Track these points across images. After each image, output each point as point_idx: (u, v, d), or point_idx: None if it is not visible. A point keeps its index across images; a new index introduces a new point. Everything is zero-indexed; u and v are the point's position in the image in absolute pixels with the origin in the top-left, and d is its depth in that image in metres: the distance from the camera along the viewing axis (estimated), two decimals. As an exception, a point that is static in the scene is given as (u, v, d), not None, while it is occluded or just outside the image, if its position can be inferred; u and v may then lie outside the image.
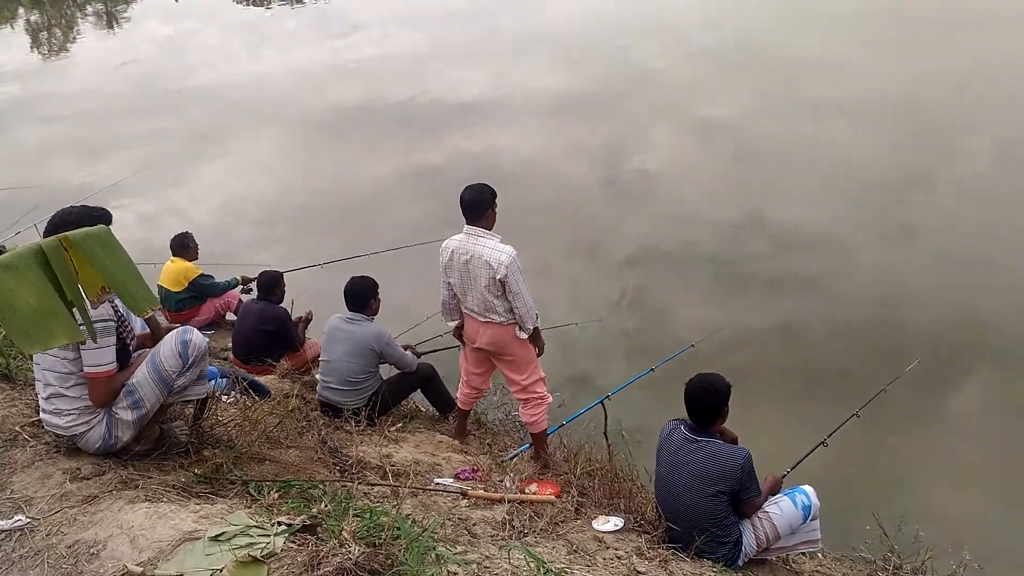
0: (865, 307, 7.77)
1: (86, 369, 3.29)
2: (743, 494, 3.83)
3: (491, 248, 4.64)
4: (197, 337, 3.59)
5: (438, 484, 4.32)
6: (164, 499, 3.21)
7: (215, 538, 2.85)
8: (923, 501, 5.16)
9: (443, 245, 4.87)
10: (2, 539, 2.96)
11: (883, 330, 7.42)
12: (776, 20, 17.84)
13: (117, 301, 3.21)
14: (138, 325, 3.66)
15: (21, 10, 32.35)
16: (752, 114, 12.90)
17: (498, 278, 4.59)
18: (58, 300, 2.28)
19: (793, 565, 4.33)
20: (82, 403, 3.36)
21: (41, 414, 3.44)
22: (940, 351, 6.78)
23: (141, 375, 3.45)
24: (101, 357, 3.29)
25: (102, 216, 3.40)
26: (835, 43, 15.63)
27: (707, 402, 3.87)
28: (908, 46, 14.99)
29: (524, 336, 4.86)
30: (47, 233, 3.28)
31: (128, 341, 3.48)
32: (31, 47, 26.84)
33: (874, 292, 7.97)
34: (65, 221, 3.28)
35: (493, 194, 4.77)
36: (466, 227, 4.75)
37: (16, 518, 3.07)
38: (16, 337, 2.27)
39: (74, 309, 2.36)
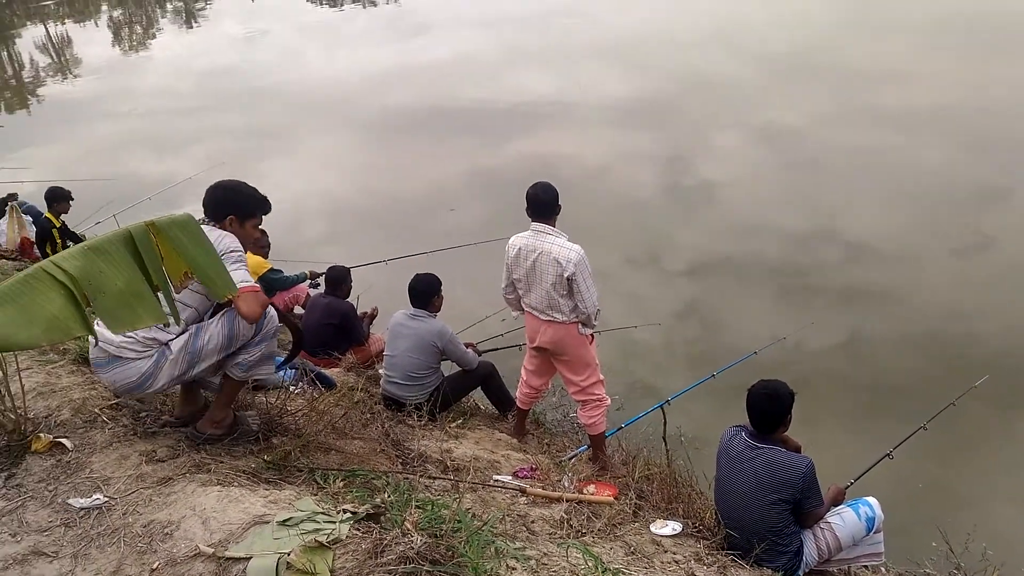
0: (934, 320, 7.59)
1: (239, 285, 3.24)
2: (805, 503, 3.78)
3: (560, 245, 4.67)
4: (273, 313, 3.66)
5: (497, 480, 4.36)
6: (235, 483, 3.30)
7: (283, 523, 2.93)
8: (991, 519, 5.02)
9: (510, 242, 4.92)
10: (81, 516, 3.08)
11: (952, 344, 7.23)
12: (844, 27, 17.53)
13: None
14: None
15: (104, 6, 33.46)
16: (820, 122, 12.69)
17: (566, 276, 4.61)
18: (145, 283, 2.38)
19: (854, 578, 4.26)
20: (146, 333, 3.34)
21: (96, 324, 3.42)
22: (1010, 367, 6.58)
23: (214, 327, 3.46)
24: (245, 276, 3.34)
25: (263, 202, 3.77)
26: (906, 51, 15.30)
27: (770, 408, 3.83)
28: (982, 55, 14.58)
29: (587, 333, 4.88)
30: (206, 208, 3.61)
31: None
32: (113, 42, 27.77)
33: (944, 305, 7.78)
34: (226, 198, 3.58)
35: (558, 194, 4.81)
36: (533, 224, 4.79)
37: (95, 497, 3.19)
38: (104, 317, 2.37)
39: (159, 292, 2.46)
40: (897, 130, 11.87)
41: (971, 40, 15.45)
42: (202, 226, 3.26)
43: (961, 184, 10.07)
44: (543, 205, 4.75)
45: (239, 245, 3.48)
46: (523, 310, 5.08)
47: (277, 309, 3.86)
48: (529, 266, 4.77)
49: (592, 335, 4.97)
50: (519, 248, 4.83)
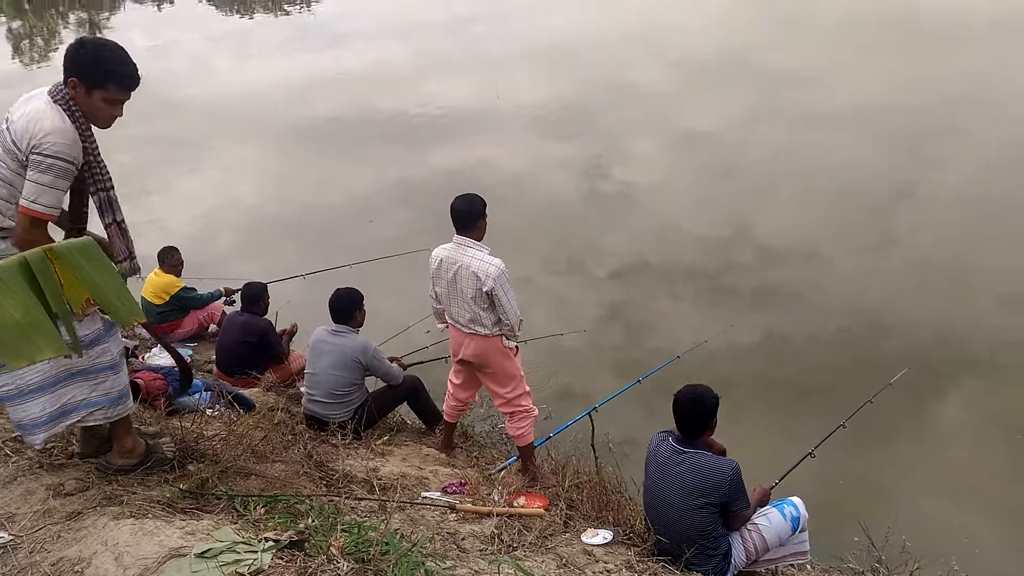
0: (851, 318, 7.82)
1: (29, 204, 2.92)
2: (732, 506, 3.82)
3: (479, 260, 4.63)
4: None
5: (426, 498, 4.29)
6: (149, 515, 3.15)
7: (202, 555, 2.81)
8: (910, 512, 5.15)
9: (433, 253, 4.86)
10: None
11: (869, 341, 7.46)
12: (759, 30, 17.99)
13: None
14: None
15: (2, 18, 32.12)
16: (737, 125, 13.00)
17: (485, 290, 4.58)
18: (43, 313, 2.23)
19: (782, 577, 4.33)
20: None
21: None
22: (926, 362, 6.81)
23: None
24: (49, 198, 2.94)
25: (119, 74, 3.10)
26: (818, 53, 15.80)
27: (696, 413, 3.86)
28: (892, 55, 15.17)
29: (511, 346, 4.85)
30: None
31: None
32: (13, 55, 26.64)
33: (860, 303, 8.02)
34: (76, 56, 3.05)
35: (484, 205, 4.76)
36: (456, 236, 4.74)
37: (-2, 536, 3.02)
38: (1, 351, 2.22)
39: (59, 322, 2.32)
40: (812, 131, 12.25)
41: (887, 40, 16.04)
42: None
43: (873, 182, 10.43)
44: (464, 216, 4.71)
45: (67, 148, 2.96)
46: (447, 323, 5.03)
47: (156, 335, 3.72)
48: (450, 279, 4.72)
49: (516, 347, 4.94)
50: (440, 260, 4.78)
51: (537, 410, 5.13)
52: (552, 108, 14.95)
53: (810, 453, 4.52)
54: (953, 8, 17.39)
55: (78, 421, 3.28)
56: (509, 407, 5.00)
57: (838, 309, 7.97)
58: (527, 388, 5.04)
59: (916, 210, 9.74)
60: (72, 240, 2.53)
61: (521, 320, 4.82)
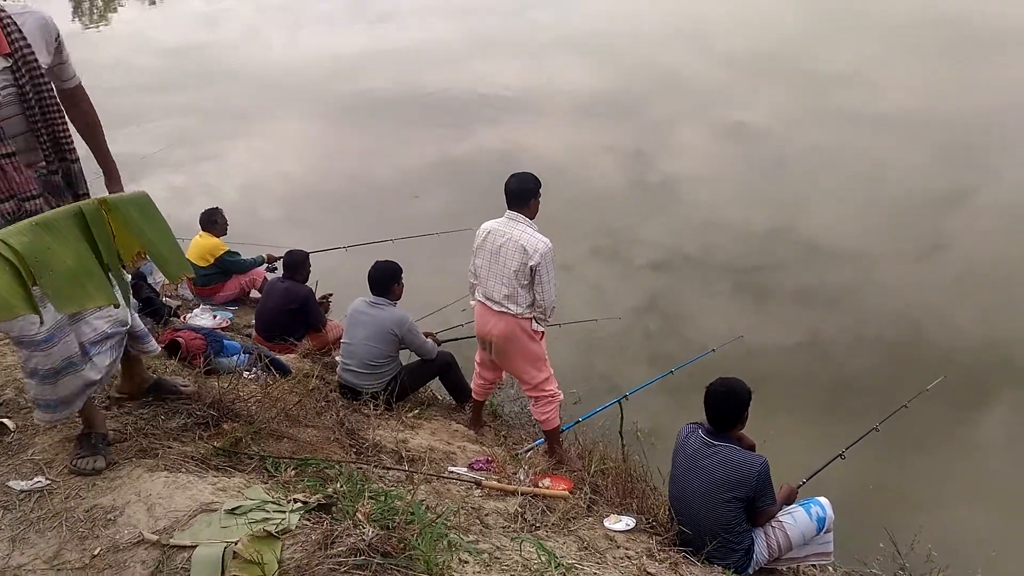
0: (891, 322, 7.69)
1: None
2: (758, 502, 3.80)
3: (529, 235, 4.66)
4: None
5: (452, 472, 4.33)
6: (182, 469, 3.23)
7: (231, 511, 2.87)
8: (938, 521, 5.10)
9: (481, 226, 4.88)
10: (21, 499, 3.00)
11: (908, 346, 7.34)
12: (812, 29, 17.68)
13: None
14: None
15: (64, -23, 32.58)
16: (784, 122, 12.81)
17: (530, 264, 4.59)
18: (95, 262, 2.29)
19: (803, 576, 4.31)
20: None
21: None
22: (965, 370, 6.69)
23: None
24: None
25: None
26: (871, 54, 15.47)
27: (727, 406, 3.84)
28: (943, 59, 14.81)
29: (540, 329, 4.86)
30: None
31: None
32: (73, 15, 27.08)
33: (901, 308, 7.89)
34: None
35: (538, 184, 4.79)
36: (508, 212, 4.77)
37: (36, 479, 3.11)
38: (51, 296, 2.29)
39: (110, 272, 2.38)
40: (861, 132, 12.02)
41: (940, 44, 15.69)
42: None
43: (921, 187, 10.23)
44: (518, 193, 4.74)
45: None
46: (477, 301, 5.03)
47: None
48: (495, 250, 4.73)
49: (543, 331, 4.94)
50: (488, 231, 4.80)
51: (563, 394, 5.13)
52: (598, 95, 14.86)
53: (840, 454, 4.48)
54: (1005, 12, 16.92)
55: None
56: (535, 391, 5.01)
57: (878, 312, 7.85)
58: (551, 372, 5.05)
59: (963, 216, 9.53)
60: (126, 193, 2.58)
61: (554, 306, 4.83)
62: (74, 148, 3.09)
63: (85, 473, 3.14)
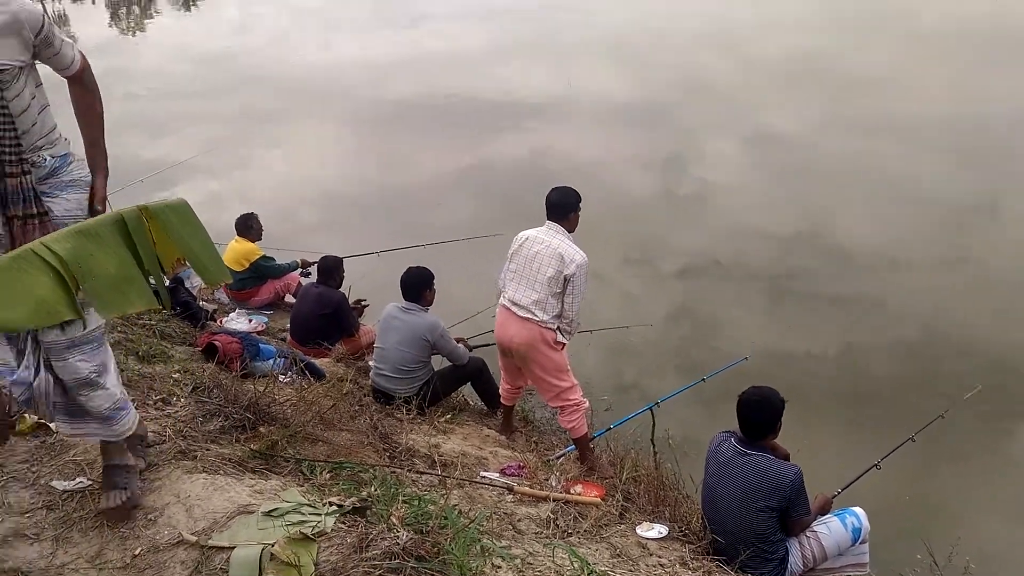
0: (924, 331, 7.60)
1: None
2: (792, 511, 3.77)
3: (567, 245, 4.71)
4: None
5: (484, 477, 4.35)
6: (221, 472, 3.28)
7: (268, 513, 2.91)
8: (976, 532, 5.02)
9: (520, 234, 4.93)
10: (64, 499, 3.05)
11: (942, 356, 7.25)
12: (841, 33, 17.53)
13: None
14: None
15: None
16: (815, 128, 12.71)
17: (565, 273, 4.63)
18: (136, 268, 2.34)
19: (838, 587, 4.26)
20: None
21: None
22: (1001, 380, 6.59)
23: None
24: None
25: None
26: (901, 59, 15.33)
27: (761, 415, 3.82)
28: (978, 64, 14.62)
29: (564, 341, 4.87)
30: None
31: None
32: (110, 22, 27.58)
33: (934, 316, 7.79)
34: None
35: (578, 199, 4.86)
36: (548, 223, 4.82)
37: (78, 480, 3.17)
38: (94, 301, 2.34)
39: (150, 278, 2.43)
40: (892, 138, 11.91)
41: (970, 48, 15.50)
42: None
43: (955, 194, 10.10)
44: (559, 208, 4.82)
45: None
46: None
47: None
48: (530, 256, 4.76)
49: (563, 343, 4.94)
50: (526, 238, 4.85)
51: (588, 402, 5.12)
52: (626, 100, 14.85)
53: (876, 464, 4.43)
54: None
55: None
56: (558, 401, 5.01)
57: (911, 321, 7.76)
58: (575, 381, 5.05)
59: (997, 223, 9.40)
60: (166, 200, 2.63)
61: (578, 324, 4.87)
62: (24, 161, 2.73)
63: (109, 511, 2.94)
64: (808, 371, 7.12)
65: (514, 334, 4.87)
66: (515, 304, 4.84)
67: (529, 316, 4.77)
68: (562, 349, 4.91)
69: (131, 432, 3.04)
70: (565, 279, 4.64)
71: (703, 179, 11.42)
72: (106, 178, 2.99)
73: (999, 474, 5.89)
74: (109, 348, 2.93)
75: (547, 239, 4.76)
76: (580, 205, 4.86)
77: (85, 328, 2.67)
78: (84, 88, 3.01)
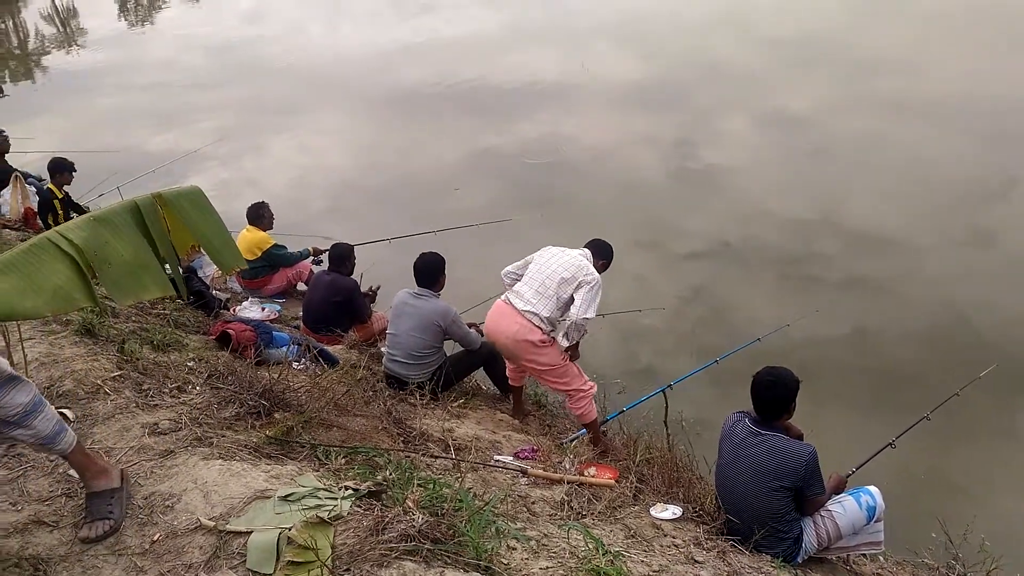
0: (940, 311, 7.55)
1: None
2: (806, 491, 3.78)
3: (590, 264, 4.90)
4: None
5: (498, 461, 4.36)
6: (237, 457, 3.31)
7: (285, 498, 2.93)
8: (991, 511, 5.00)
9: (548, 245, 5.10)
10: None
11: (958, 335, 7.19)
12: (854, 15, 17.34)
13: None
14: None
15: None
16: (828, 110, 12.59)
17: (580, 279, 4.75)
18: (151, 255, 2.36)
19: (853, 566, 4.27)
20: None
21: None
22: (1016, 359, 6.54)
23: None
24: None
25: None
26: (917, 40, 15.15)
27: (774, 395, 3.81)
28: (992, 45, 14.43)
29: (565, 344, 4.91)
30: None
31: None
32: (119, 14, 27.62)
33: (948, 296, 7.73)
34: None
35: (611, 251, 5.16)
36: (583, 248, 5.09)
37: (97, 467, 3.20)
38: (110, 289, 2.36)
39: (165, 265, 2.45)
40: (906, 119, 11.78)
41: (985, 29, 15.31)
42: None
43: (969, 175, 10.00)
44: (598, 250, 5.12)
45: None
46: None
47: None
48: (550, 257, 4.93)
49: (553, 341, 4.98)
50: (551, 246, 5.04)
51: (595, 385, 5.17)
52: (637, 83, 14.76)
53: (891, 443, 4.43)
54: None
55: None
56: (563, 390, 5.11)
57: (926, 302, 7.70)
58: (577, 371, 5.08)
59: (1010, 204, 9.29)
60: (181, 187, 2.65)
61: (584, 332, 4.94)
62: None
63: (90, 542, 2.79)
64: (823, 351, 7.08)
65: (505, 327, 4.95)
66: (521, 296, 4.91)
67: (529, 308, 4.84)
68: (553, 345, 4.94)
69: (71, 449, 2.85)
70: (579, 284, 4.75)
71: (716, 161, 11.34)
72: None
73: (1015, 452, 5.86)
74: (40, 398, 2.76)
75: (574, 253, 4.95)
76: (608, 256, 5.15)
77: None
78: None
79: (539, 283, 4.84)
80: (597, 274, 4.84)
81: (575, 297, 4.75)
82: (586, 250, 5.05)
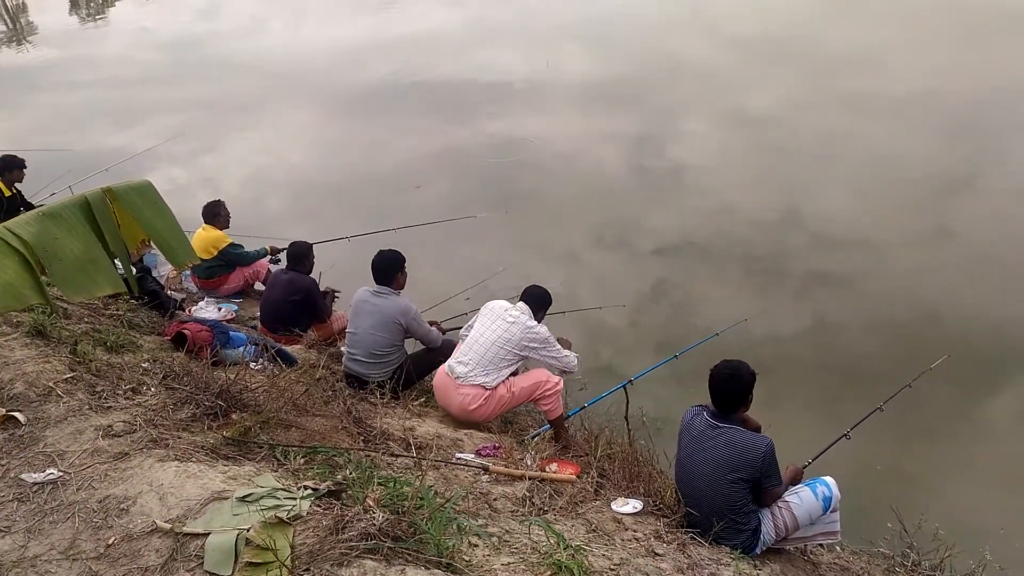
0: (897, 306, 7.70)
1: None
2: (764, 482, 3.82)
3: (529, 318, 4.98)
4: None
5: (460, 458, 4.35)
6: (193, 459, 3.26)
7: (243, 499, 2.90)
8: (944, 500, 5.12)
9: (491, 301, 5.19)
10: (35, 491, 3.02)
11: (915, 330, 7.34)
12: (819, 12, 17.59)
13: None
14: None
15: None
16: (790, 107, 12.78)
17: (526, 344, 4.90)
18: (101, 250, 2.32)
19: (811, 556, 4.33)
20: None
21: None
22: (971, 352, 6.70)
23: None
24: None
25: None
26: (880, 37, 15.40)
27: (732, 388, 3.85)
28: (957, 43, 14.73)
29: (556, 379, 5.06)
30: None
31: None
32: (70, 10, 27.05)
33: (907, 291, 7.89)
34: None
35: (544, 297, 5.20)
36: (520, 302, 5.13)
37: (48, 471, 3.14)
38: (61, 285, 2.32)
39: (116, 260, 2.40)
40: (867, 117, 11.99)
41: (950, 27, 15.61)
42: None
43: (927, 172, 10.20)
44: (539, 301, 5.15)
45: None
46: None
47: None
48: (491, 324, 4.99)
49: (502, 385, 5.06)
50: (496, 305, 5.12)
51: (561, 381, 5.20)
52: (603, 81, 14.83)
53: (845, 434, 4.50)
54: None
55: None
56: (531, 398, 5.16)
57: (883, 296, 7.85)
58: (542, 376, 5.11)
59: (971, 200, 9.51)
60: (130, 181, 2.60)
61: (575, 367, 5.14)
62: None
63: None
64: (780, 346, 7.19)
65: (450, 400, 5.06)
66: (462, 365, 4.99)
67: (471, 382, 4.94)
68: (496, 390, 4.99)
69: None
70: (529, 349, 4.92)
71: (679, 159, 11.44)
72: None
73: (967, 442, 6.00)
74: None
75: (512, 317, 4.98)
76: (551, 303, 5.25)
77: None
78: None
79: (480, 354, 4.94)
80: (540, 327, 4.95)
81: (540, 359, 4.95)
82: (522, 304, 5.09)
